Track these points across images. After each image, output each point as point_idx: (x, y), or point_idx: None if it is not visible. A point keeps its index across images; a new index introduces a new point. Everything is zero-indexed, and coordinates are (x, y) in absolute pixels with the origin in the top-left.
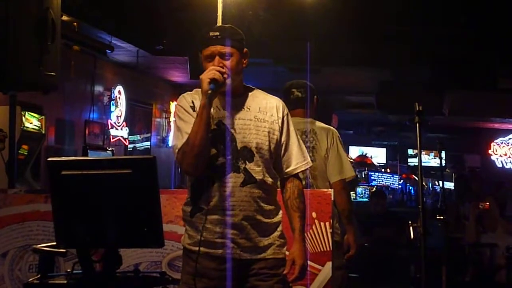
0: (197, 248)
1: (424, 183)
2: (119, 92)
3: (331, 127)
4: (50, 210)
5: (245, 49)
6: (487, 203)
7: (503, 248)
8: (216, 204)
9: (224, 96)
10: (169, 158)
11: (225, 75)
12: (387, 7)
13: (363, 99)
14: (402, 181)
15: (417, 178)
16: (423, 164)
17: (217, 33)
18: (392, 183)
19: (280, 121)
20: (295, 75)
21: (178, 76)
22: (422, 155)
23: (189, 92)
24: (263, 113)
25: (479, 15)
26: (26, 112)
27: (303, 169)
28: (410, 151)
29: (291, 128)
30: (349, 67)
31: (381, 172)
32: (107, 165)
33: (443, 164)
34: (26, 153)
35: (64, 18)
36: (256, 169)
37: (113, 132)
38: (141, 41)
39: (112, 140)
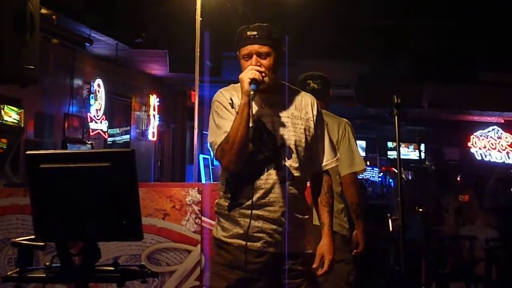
0: (233, 241)
1: (403, 176)
2: (99, 85)
3: (344, 119)
4: (29, 203)
5: (283, 48)
6: (467, 195)
7: (482, 241)
8: (257, 200)
9: (261, 93)
10: (149, 151)
11: (263, 74)
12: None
13: (342, 92)
14: (382, 173)
15: (396, 171)
16: (402, 157)
17: (255, 33)
18: (372, 176)
19: (314, 118)
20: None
21: (157, 69)
22: (401, 148)
23: (225, 88)
24: (298, 110)
25: (458, 8)
26: (5, 106)
27: (333, 165)
28: (389, 144)
29: (323, 125)
30: (328, 60)
31: None
32: (85, 158)
33: (422, 156)
34: (5, 147)
35: (43, 11)
36: (294, 166)
37: (92, 125)
38: (120, 34)
39: (91, 134)
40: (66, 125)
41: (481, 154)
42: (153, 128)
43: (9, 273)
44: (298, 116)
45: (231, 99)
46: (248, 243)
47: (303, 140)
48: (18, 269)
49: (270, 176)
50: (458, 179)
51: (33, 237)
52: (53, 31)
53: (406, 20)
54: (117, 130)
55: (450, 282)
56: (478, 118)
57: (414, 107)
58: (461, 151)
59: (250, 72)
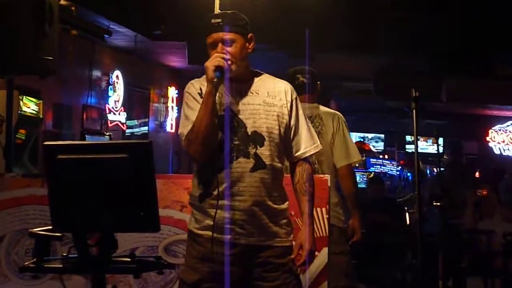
0: (203, 232)
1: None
2: (117, 77)
3: (337, 112)
4: (47, 194)
5: (250, 34)
6: (485, 189)
7: (500, 235)
8: (226, 190)
9: (231, 82)
10: (167, 143)
11: (229, 62)
12: None
13: (360, 86)
14: (400, 167)
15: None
16: (420, 150)
17: (219, 20)
18: (390, 170)
19: (289, 105)
20: (294, 60)
21: (176, 61)
22: (419, 142)
23: (197, 78)
24: (272, 97)
25: (477, 1)
26: (24, 97)
27: (312, 152)
28: (408, 138)
29: (300, 112)
30: (347, 53)
31: (379, 158)
32: (103, 149)
33: (441, 150)
34: (23, 138)
35: (62, 2)
36: (266, 154)
37: (110, 117)
38: (139, 26)
39: (109, 125)
40: (84, 116)
41: (499, 149)
42: (172, 120)
43: (26, 263)
44: (271, 103)
45: (200, 89)
46: (219, 235)
47: (276, 127)
48: (35, 260)
49: (239, 165)
50: (477, 173)
51: (50, 227)
52: (72, 22)
53: (425, 14)
54: (135, 122)
55: (468, 276)
56: (497, 112)
57: (433, 101)
58: (479, 145)
59: (214, 59)
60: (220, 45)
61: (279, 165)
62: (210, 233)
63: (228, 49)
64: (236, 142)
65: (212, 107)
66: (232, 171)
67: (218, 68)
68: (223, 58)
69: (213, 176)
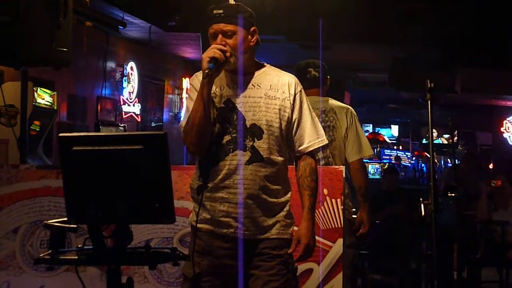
0: (201, 226)
1: (436, 161)
2: (132, 68)
3: (349, 106)
4: (62, 186)
5: (253, 27)
6: (499, 180)
7: None
8: (221, 182)
9: (233, 74)
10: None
11: (227, 54)
12: None
13: (375, 77)
14: (414, 158)
15: (429, 155)
16: (435, 141)
17: (221, 11)
18: (404, 161)
19: (292, 98)
20: (307, 52)
21: (190, 52)
22: (433, 133)
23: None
24: (274, 90)
25: None
26: (38, 88)
27: (316, 147)
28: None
29: (304, 106)
30: (362, 44)
31: (393, 149)
32: (118, 141)
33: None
34: (38, 129)
35: None
36: (264, 147)
37: (125, 108)
38: (153, 17)
39: (124, 116)
40: (99, 107)
41: None
42: None
43: (41, 255)
44: (273, 96)
45: None
46: (215, 228)
47: (277, 121)
48: (50, 251)
49: (235, 157)
50: (491, 164)
51: (65, 219)
52: (87, 14)
53: (439, 5)
54: (149, 113)
55: (482, 267)
56: None
57: (447, 92)
58: (494, 136)
59: (210, 51)
60: (220, 36)
61: (280, 158)
62: (207, 226)
63: (228, 41)
64: (234, 135)
65: (206, 98)
66: (228, 164)
67: (213, 60)
68: (221, 50)
69: (211, 168)
